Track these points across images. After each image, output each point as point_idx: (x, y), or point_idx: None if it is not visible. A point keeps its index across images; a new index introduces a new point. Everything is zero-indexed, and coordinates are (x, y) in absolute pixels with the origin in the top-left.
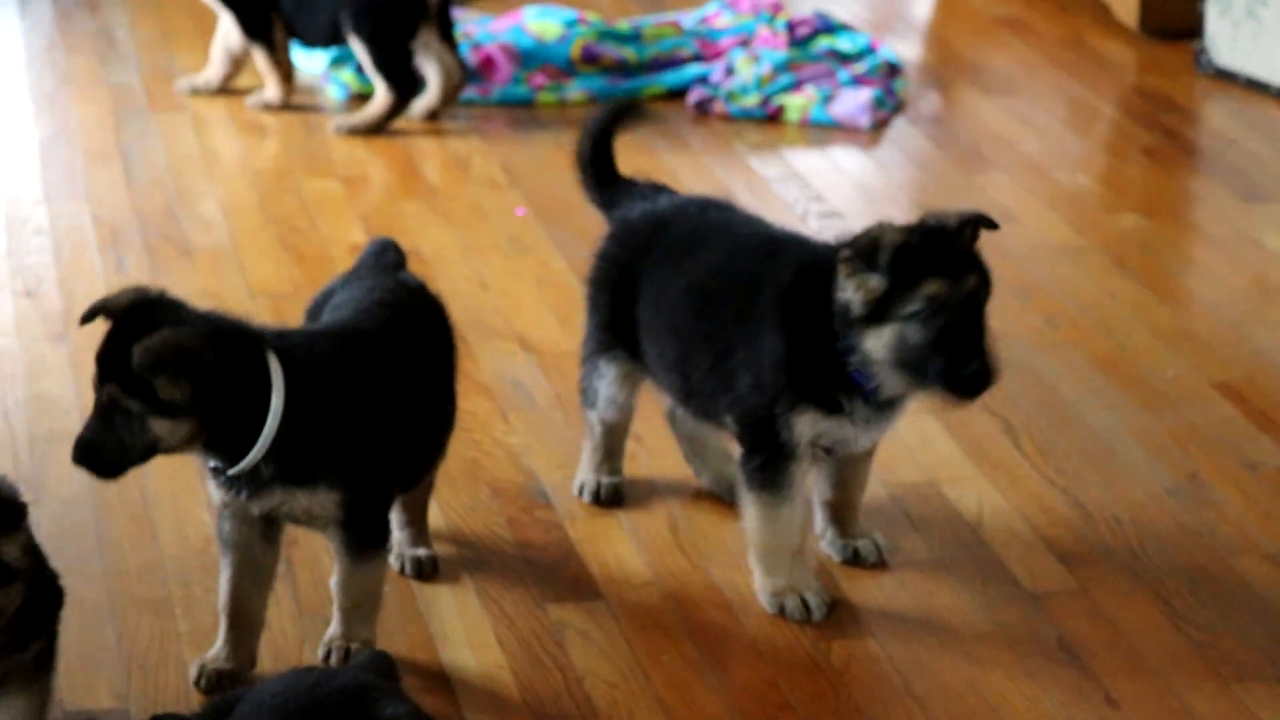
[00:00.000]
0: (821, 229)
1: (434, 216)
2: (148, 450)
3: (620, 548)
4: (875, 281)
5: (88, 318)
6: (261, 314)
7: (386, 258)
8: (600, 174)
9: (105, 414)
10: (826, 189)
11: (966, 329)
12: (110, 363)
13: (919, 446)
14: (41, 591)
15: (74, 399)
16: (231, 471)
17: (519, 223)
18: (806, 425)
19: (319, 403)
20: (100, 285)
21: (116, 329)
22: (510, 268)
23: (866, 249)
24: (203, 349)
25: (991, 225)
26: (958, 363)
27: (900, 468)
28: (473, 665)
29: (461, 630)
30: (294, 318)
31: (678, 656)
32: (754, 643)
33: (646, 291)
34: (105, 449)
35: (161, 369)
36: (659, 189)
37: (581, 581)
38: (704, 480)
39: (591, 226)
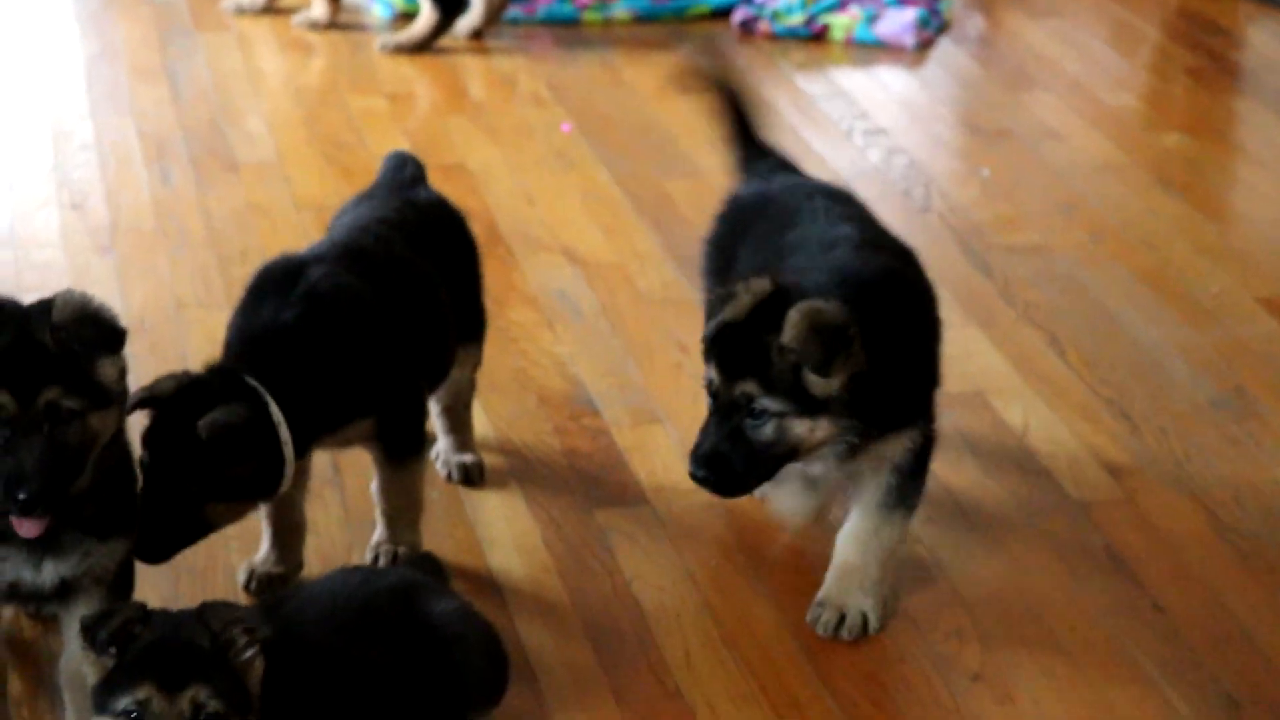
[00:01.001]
0: (866, 145)
1: (479, 133)
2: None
3: (667, 456)
4: None
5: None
6: (307, 226)
7: (405, 172)
8: (741, 141)
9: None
10: (873, 107)
11: None
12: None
13: (964, 358)
14: (126, 483)
15: (120, 309)
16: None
17: (564, 139)
18: None
19: (326, 349)
20: (146, 199)
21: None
22: (556, 183)
23: None
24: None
25: None
26: None
27: (947, 378)
28: (520, 569)
29: (509, 535)
30: None
31: (724, 561)
32: (799, 548)
33: (738, 274)
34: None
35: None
36: (786, 166)
37: (628, 488)
38: None
39: (635, 142)
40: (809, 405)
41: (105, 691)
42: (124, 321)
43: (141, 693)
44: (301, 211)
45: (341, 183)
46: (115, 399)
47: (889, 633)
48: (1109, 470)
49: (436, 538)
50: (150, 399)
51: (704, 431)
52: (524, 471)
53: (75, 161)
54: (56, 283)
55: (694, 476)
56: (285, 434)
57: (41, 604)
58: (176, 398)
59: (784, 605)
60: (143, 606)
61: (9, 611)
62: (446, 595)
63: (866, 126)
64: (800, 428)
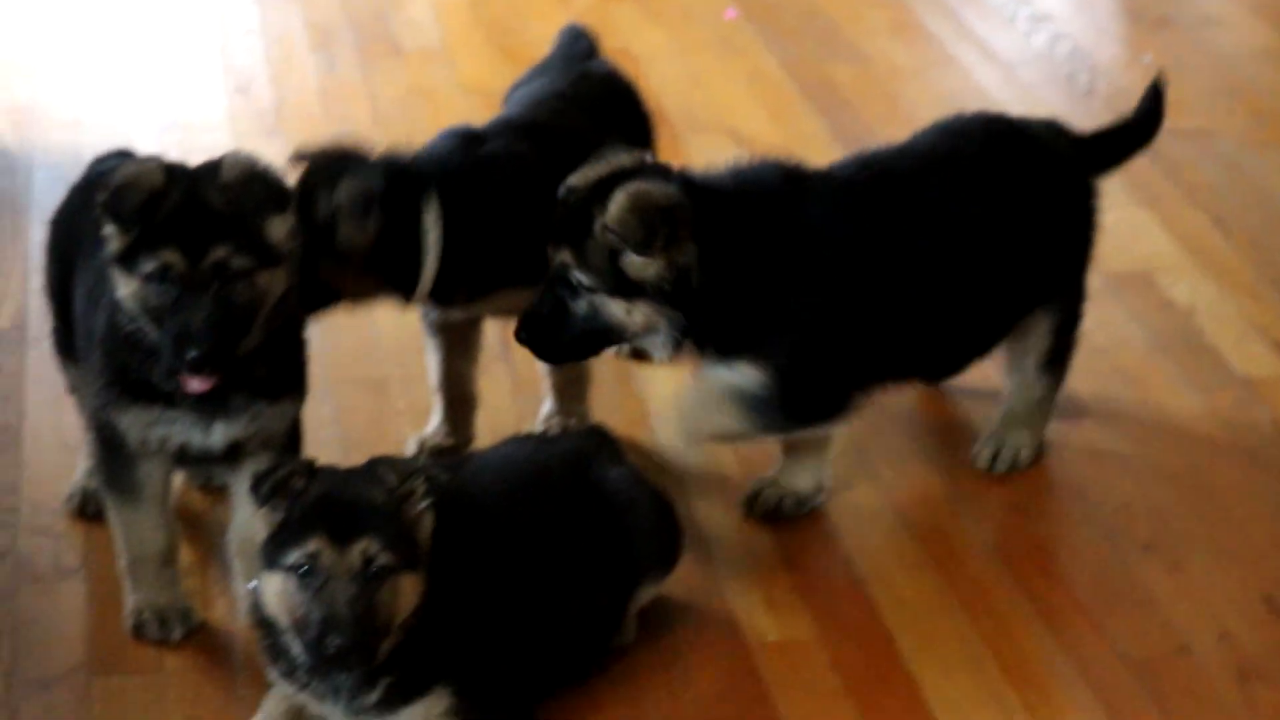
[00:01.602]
0: (1030, 30)
1: (644, 17)
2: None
3: None
4: None
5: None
6: (474, 111)
7: (579, 46)
8: None
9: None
10: None
11: None
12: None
13: (1131, 238)
14: (295, 344)
15: None
16: (412, 300)
17: (730, 25)
18: None
19: (486, 223)
20: (311, 84)
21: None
22: (721, 67)
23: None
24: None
25: None
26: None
27: (1113, 258)
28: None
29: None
30: None
31: (896, 433)
32: (971, 423)
33: None
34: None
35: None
36: None
37: None
38: None
39: (799, 27)
40: (624, 287)
41: (274, 546)
42: None
43: (311, 545)
44: (468, 96)
45: (506, 67)
46: (284, 258)
47: (1060, 505)
48: (1276, 346)
49: (605, 410)
50: (303, 154)
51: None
52: None
53: (241, 47)
54: None
55: (516, 335)
56: (434, 237)
57: (210, 469)
58: (330, 159)
59: (955, 476)
60: (310, 462)
61: (178, 483)
62: (619, 463)
63: (1030, 12)
64: (615, 308)
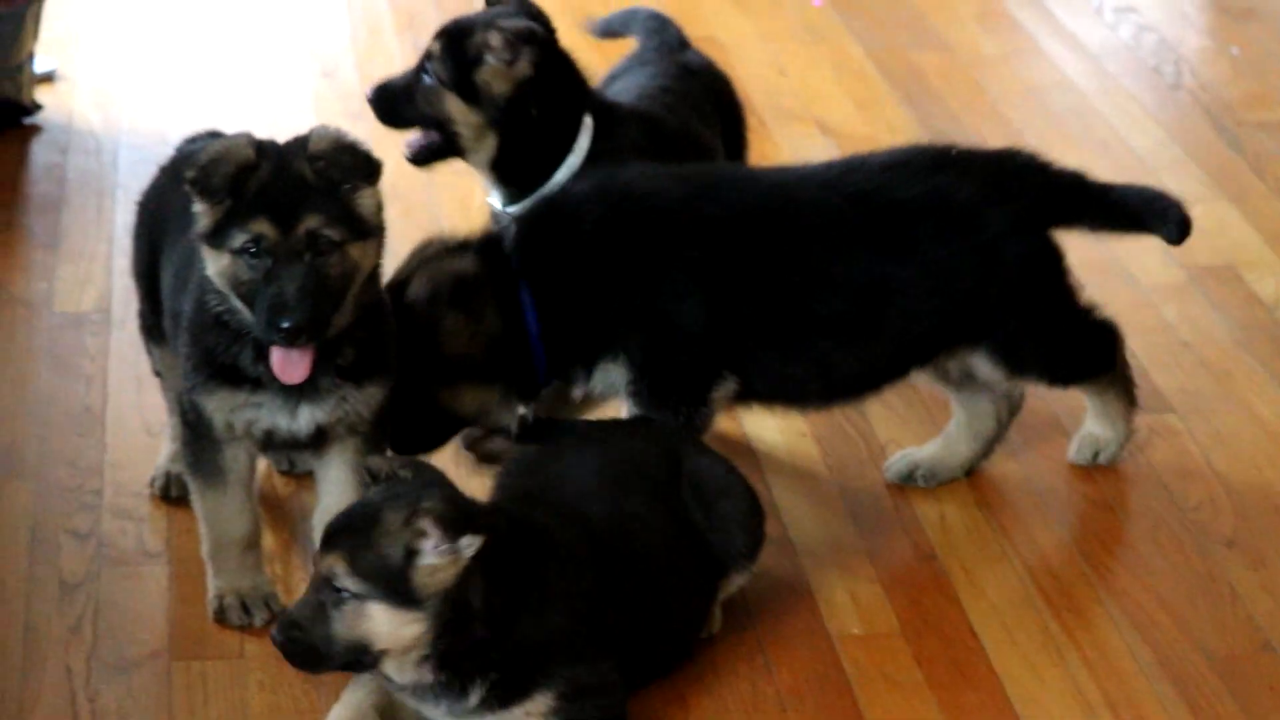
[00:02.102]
0: (1116, 22)
1: (730, 4)
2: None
3: None
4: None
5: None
6: None
7: (668, 35)
8: None
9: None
10: None
11: None
12: None
13: (1217, 232)
14: (383, 326)
15: None
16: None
17: (815, 12)
18: None
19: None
20: (397, 67)
21: None
22: (807, 55)
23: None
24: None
25: None
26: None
27: (1198, 252)
28: (774, 434)
29: None
30: None
31: None
32: (1055, 417)
33: None
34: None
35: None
36: None
37: None
38: None
39: (886, 16)
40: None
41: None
42: None
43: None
44: None
45: (593, 54)
46: (375, 232)
47: (1143, 501)
48: None
49: None
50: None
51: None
52: None
53: (327, 30)
54: None
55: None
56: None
57: (294, 454)
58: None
59: (1039, 469)
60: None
61: (261, 468)
62: (707, 451)
63: (1116, 4)
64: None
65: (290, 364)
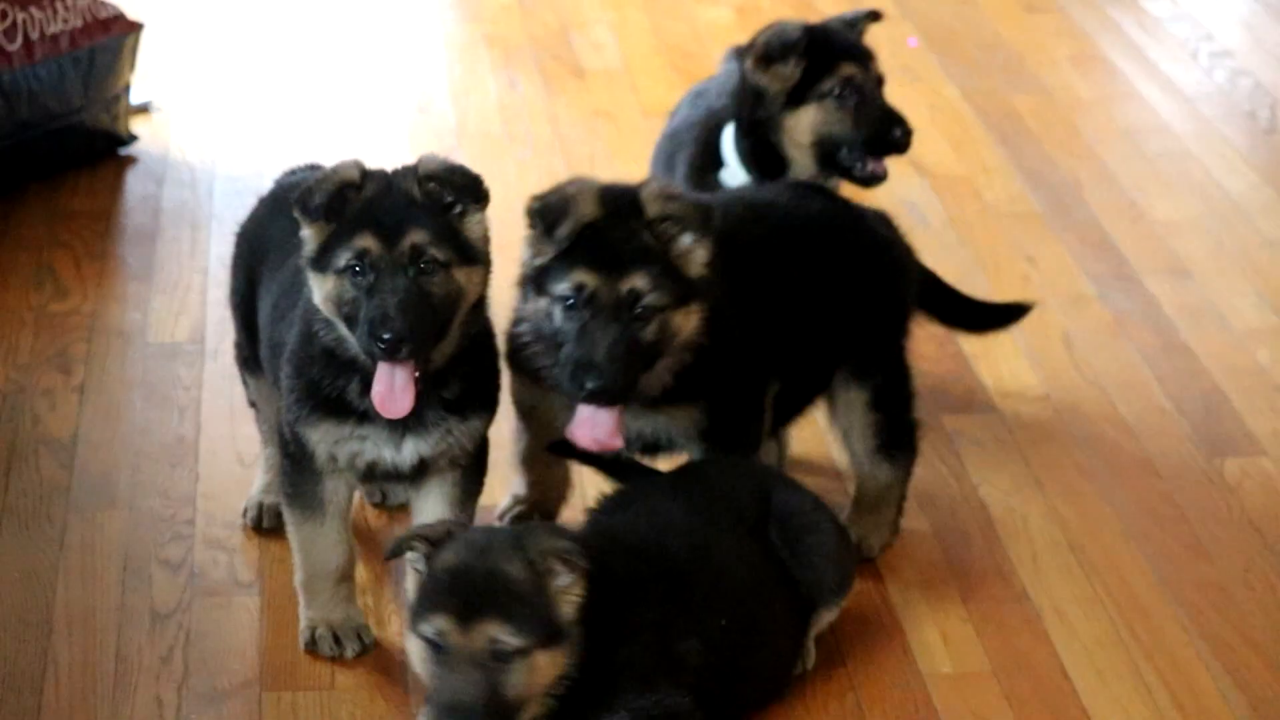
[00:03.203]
0: (1211, 66)
1: None
2: None
3: (1014, 363)
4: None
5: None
6: (655, 134)
7: None
8: None
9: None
10: (1217, 28)
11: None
12: None
13: None
14: (489, 360)
15: None
16: None
17: (911, 53)
18: None
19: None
20: (492, 103)
21: None
22: (902, 95)
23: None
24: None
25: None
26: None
27: None
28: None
29: None
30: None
31: (1070, 466)
32: (1147, 458)
33: None
34: None
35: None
36: None
37: (975, 394)
38: None
39: (981, 58)
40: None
41: (414, 612)
42: None
43: (439, 622)
44: (649, 118)
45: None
46: (481, 258)
47: (1234, 543)
48: None
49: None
50: None
51: (588, 340)
52: None
53: (423, 65)
54: None
55: (596, 391)
56: None
57: (392, 484)
58: None
59: (1130, 512)
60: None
61: (354, 501)
62: (795, 488)
63: (1212, 49)
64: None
65: (393, 399)
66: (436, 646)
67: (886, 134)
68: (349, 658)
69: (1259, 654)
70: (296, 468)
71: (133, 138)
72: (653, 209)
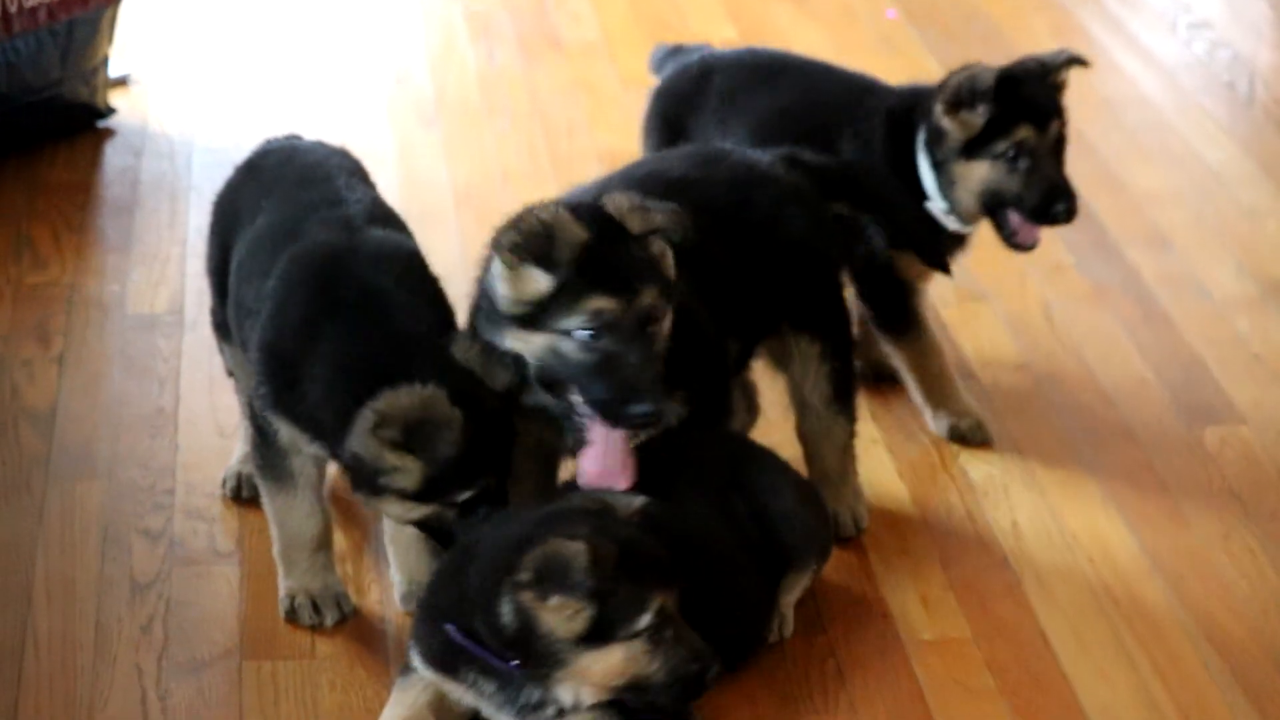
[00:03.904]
0: (1190, 38)
1: (804, 17)
2: None
3: (994, 331)
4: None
5: None
6: (633, 104)
7: None
8: None
9: None
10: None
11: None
12: None
13: None
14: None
15: (445, 180)
16: None
17: (890, 25)
18: None
19: None
20: (471, 74)
21: None
22: (881, 67)
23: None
24: None
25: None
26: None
27: (1271, 265)
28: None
29: None
30: None
31: (1051, 437)
32: (1127, 427)
33: None
34: None
35: None
36: None
37: (955, 363)
38: None
39: (960, 29)
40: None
41: None
42: (450, 192)
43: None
44: (628, 89)
45: None
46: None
47: (1215, 511)
48: None
49: (761, 401)
50: None
51: (631, 369)
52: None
53: (400, 37)
54: (382, 153)
55: (648, 415)
56: None
57: None
58: None
59: (1110, 480)
60: None
61: (332, 469)
62: (759, 451)
63: (1191, 20)
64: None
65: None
66: None
67: (1049, 207)
68: (328, 626)
69: (1239, 620)
70: (266, 441)
71: (111, 110)
72: (635, 224)
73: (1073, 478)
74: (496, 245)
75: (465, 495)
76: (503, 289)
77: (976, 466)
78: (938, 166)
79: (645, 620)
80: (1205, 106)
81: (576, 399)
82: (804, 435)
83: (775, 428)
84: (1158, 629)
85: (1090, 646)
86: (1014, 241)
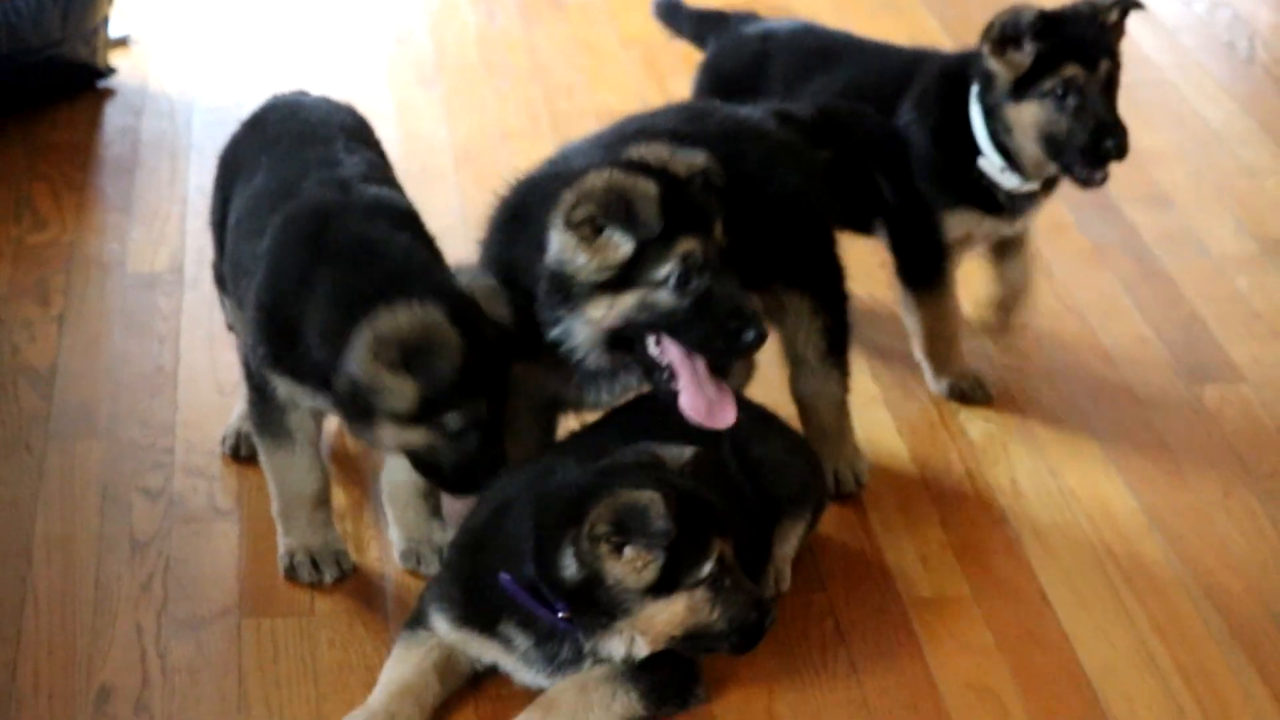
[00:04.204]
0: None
1: None
2: None
3: (994, 290)
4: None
5: None
6: (634, 63)
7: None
8: None
9: None
10: None
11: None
12: None
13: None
14: None
15: (445, 139)
16: None
17: None
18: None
19: None
20: (471, 34)
21: None
22: (881, 27)
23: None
24: None
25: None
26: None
27: (1271, 223)
28: (861, 418)
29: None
30: (668, 68)
31: (1051, 395)
32: (1127, 385)
33: None
34: None
35: None
36: None
37: None
38: None
39: None
40: None
41: None
42: (449, 152)
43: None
44: (629, 49)
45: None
46: None
47: (1214, 468)
48: None
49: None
50: None
51: (728, 301)
52: (866, 320)
53: None
54: (382, 113)
55: (757, 339)
56: None
57: None
58: None
59: (1110, 438)
60: None
61: (330, 427)
62: (745, 402)
63: None
64: None
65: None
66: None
67: (1098, 144)
68: (328, 583)
69: (1238, 577)
70: (263, 398)
71: (111, 70)
72: (681, 169)
73: (1072, 436)
74: (568, 224)
75: (458, 419)
76: (581, 260)
77: (976, 425)
78: (990, 115)
79: (707, 568)
80: (1205, 65)
81: (654, 351)
82: (799, 391)
83: (772, 385)
84: (1156, 586)
85: (1089, 604)
86: (1082, 178)
